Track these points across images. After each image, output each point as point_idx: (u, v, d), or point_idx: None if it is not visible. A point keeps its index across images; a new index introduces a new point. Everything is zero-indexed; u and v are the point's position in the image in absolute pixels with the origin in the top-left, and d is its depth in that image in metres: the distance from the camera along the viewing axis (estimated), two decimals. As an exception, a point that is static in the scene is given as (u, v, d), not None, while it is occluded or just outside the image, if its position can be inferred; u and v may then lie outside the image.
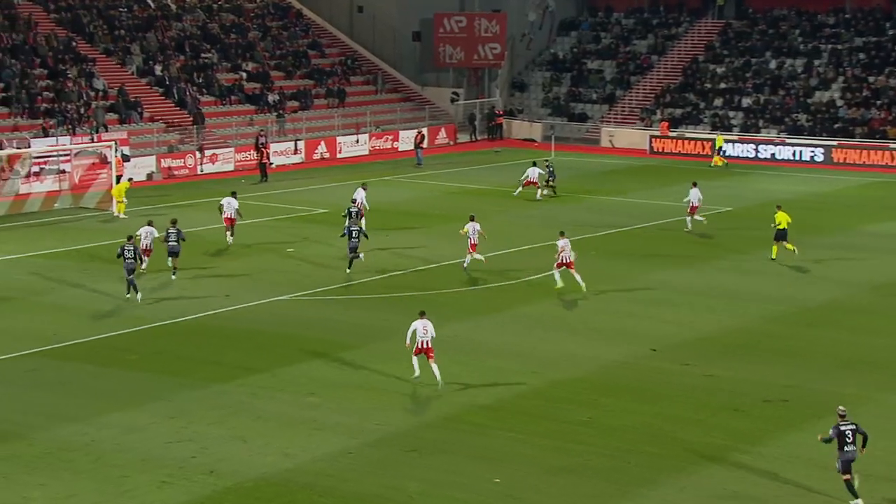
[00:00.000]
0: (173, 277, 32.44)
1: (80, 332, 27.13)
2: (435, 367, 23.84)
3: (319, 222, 41.41)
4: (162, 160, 51.09)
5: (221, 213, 36.58)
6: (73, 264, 33.97)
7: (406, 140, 60.82)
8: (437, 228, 40.63)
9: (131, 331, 27.45)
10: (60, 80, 52.45)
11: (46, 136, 48.07)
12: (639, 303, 30.65)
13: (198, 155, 52.05)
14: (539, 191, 46.07)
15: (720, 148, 57.04)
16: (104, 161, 45.40)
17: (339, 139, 59.00)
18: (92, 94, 53.10)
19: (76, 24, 57.66)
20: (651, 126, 63.06)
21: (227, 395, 23.20)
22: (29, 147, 45.55)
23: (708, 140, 59.32)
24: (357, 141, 59.67)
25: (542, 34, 72.39)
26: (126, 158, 47.72)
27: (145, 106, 54.54)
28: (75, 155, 46.19)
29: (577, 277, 30.79)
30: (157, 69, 57.69)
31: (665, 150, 59.08)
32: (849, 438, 18.36)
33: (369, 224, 37.64)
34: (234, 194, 37.34)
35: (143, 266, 32.15)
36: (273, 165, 51.18)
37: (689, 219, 39.19)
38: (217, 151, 53.07)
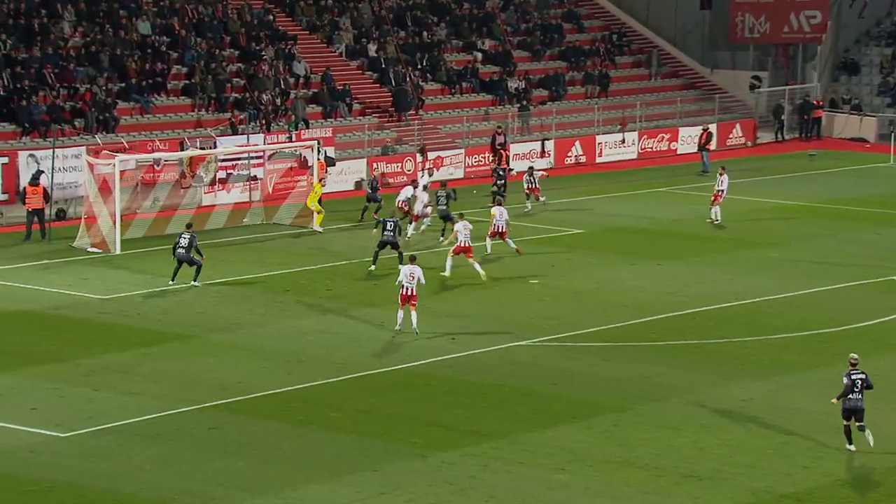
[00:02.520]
0: (442, 240, 39.22)
1: (273, 381, 28.10)
2: (414, 317, 30.10)
3: (573, 246, 41.52)
4: (374, 164, 52.51)
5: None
6: (264, 295, 35.30)
7: (688, 140, 60.26)
8: (726, 256, 40.08)
9: (333, 381, 28.23)
10: (253, 63, 54.78)
11: (235, 133, 50.21)
12: None
13: (419, 158, 53.19)
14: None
15: None
16: (304, 165, 46.95)
17: (599, 138, 59.06)
18: (291, 80, 55.22)
19: (274, -8, 60.11)
20: None
21: (452, 468, 23.51)
22: (214, 147, 47.55)
23: None
24: (623, 141, 59.58)
25: (883, -5, 70.31)
26: (331, 162, 49.24)
27: (355, 95, 56.26)
28: (269, 157, 47.95)
29: (476, 267, 35.17)
30: (371, 49, 59.42)
31: None
32: (857, 387, 23.69)
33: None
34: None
35: (409, 236, 40.66)
36: (513, 172, 51.68)
37: (713, 209, 44.06)
38: (443, 154, 54.09)
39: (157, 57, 53.07)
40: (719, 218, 44.22)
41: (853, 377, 23.90)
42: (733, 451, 24.36)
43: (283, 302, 34.52)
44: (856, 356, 24.23)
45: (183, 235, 35.66)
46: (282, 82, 54.45)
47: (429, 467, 23.49)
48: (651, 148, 60.14)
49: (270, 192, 47.21)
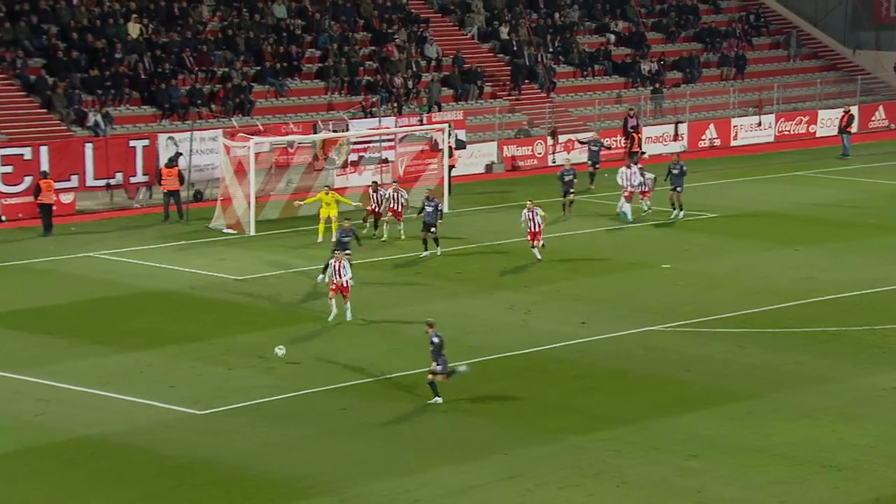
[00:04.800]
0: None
1: (404, 363, 28.33)
2: (348, 308, 30.99)
3: (706, 231, 41.23)
4: (505, 147, 52.62)
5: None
6: (395, 277, 35.64)
7: (828, 122, 59.36)
8: (869, 243, 39.50)
9: (464, 363, 28.40)
10: (385, 46, 55.21)
11: (367, 116, 50.73)
12: None
13: (549, 141, 53.18)
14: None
15: None
16: (435, 148, 47.28)
17: (734, 121, 58.46)
18: (423, 63, 55.55)
19: (409, -26, 60.44)
20: None
21: (583, 452, 23.59)
22: (346, 130, 48.12)
23: None
24: (759, 123, 58.89)
25: None
26: (461, 145, 49.49)
27: (487, 78, 56.37)
28: (400, 140, 48.38)
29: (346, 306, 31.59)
30: (503, 31, 59.48)
31: None
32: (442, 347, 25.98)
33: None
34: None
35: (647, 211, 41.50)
36: (646, 155, 51.44)
37: None
38: (574, 137, 53.97)
39: (292, 40, 53.76)
40: None
41: (440, 335, 26.06)
42: (875, 441, 24.04)
43: (415, 284, 34.80)
44: (432, 319, 26.45)
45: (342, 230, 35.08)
46: (414, 65, 54.79)
47: (560, 451, 23.58)
48: (789, 131, 59.34)
49: (401, 174, 47.60)
